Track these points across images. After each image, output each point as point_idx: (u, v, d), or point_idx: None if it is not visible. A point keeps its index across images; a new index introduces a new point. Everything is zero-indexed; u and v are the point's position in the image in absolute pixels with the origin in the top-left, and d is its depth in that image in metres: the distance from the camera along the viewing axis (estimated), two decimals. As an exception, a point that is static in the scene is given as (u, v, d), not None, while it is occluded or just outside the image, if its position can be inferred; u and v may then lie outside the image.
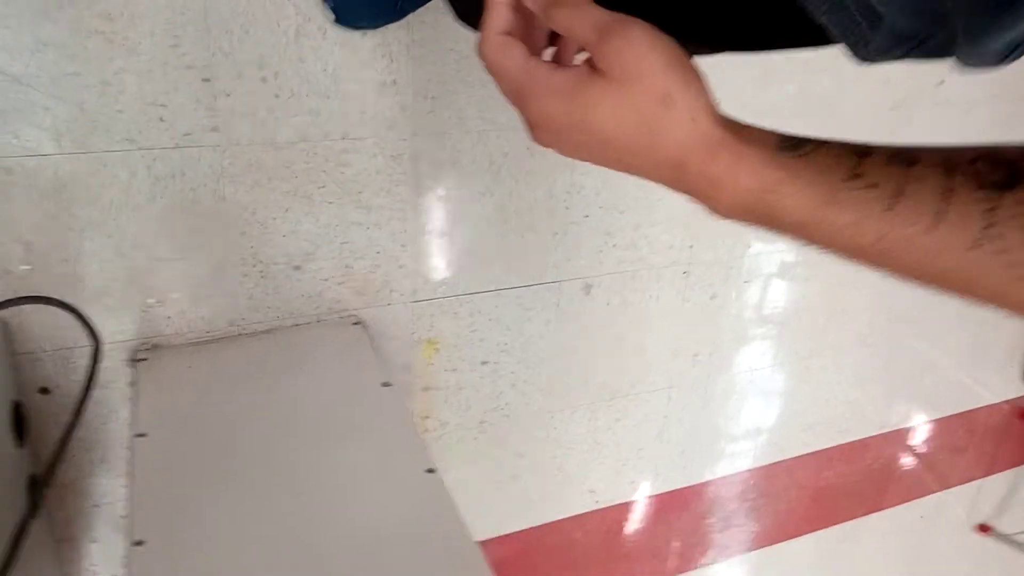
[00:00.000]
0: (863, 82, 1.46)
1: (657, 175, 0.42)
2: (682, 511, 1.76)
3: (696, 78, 0.40)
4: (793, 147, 0.40)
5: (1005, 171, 0.37)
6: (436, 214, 1.19)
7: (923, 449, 2.10)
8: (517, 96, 0.42)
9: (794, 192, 0.39)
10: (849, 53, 0.45)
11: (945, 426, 2.08)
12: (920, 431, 2.06)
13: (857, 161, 0.39)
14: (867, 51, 0.44)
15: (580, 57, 0.43)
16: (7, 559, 0.67)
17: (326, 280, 1.14)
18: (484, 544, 0.76)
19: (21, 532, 0.69)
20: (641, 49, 0.38)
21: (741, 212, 0.41)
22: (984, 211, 0.36)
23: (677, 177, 0.41)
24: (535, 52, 0.43)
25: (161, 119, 0.97)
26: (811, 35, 0.52)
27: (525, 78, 0.41)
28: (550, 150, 0.44)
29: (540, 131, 0.43)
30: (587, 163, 0.43)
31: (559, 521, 1.58)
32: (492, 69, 0.43)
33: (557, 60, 0.45)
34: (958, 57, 0.43)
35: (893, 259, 0.39)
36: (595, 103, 0.40)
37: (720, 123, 0.40)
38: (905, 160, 0.38)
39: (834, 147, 0.40)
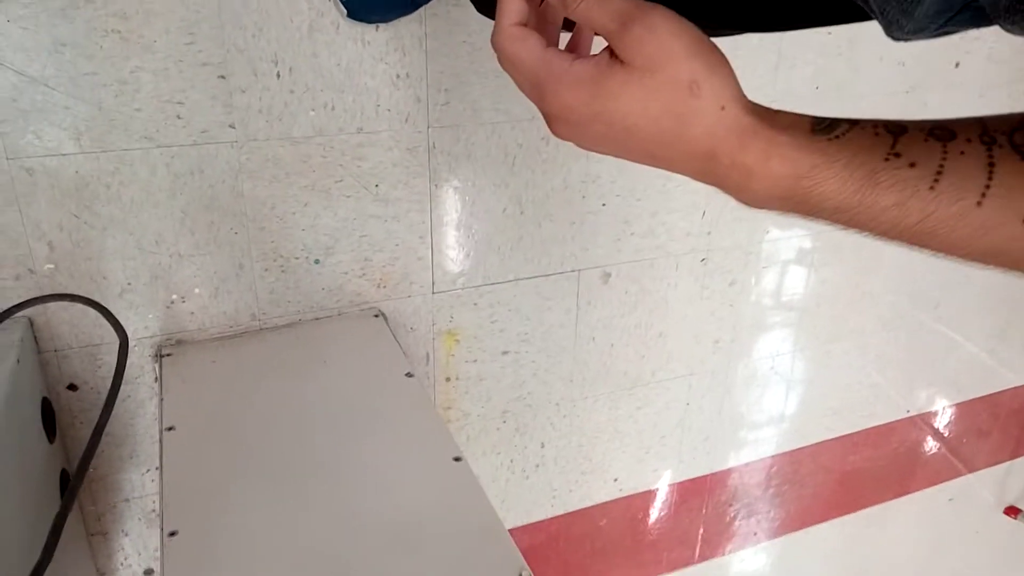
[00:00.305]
0: (878, 65, 1.44)
1: (684, 167, 0.40)
2: (706, 498, 1.75)
3: (723, 64, 0.38)
4: (827, 129, 0.38)
5: None
6: (453, 206, 1.19)
7: (949, 432, 2.08)
8: (534, 88, 0.41)
9: (831, 176, 0.37)
10: (887, 28, 0.43)
11: (970, 409, 2.06)
12: (945, 414, 2.04)
13: (894, 140, 0.37)
14: (907, 24, 0.42)
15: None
16: (46, 553, 0.68)
17: (346, 273, 1.15)
18: (510, 533, 0.76)
19: (58, 527, 0.70)
20: (664, 36, 0.37)
21: (776, 201, 0.39)
22: None
23: (707, 168, 0.40)
24: (550, 43, 0.41)
25: (178, 117, 0.98)
26: (834, 12, 0.51)
27: (542, 69, 0.40)
28: (568, 142, 0.43)
29: (559, 123, 0.41)
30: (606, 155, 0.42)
31: (584, 509, 1.58)
32: (507, 61, 0.41)
33: (572, 51, 0.44)
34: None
35: (939, 238, 0.38)
36: (617, 93, 0.38)
37: (750, 110, 0.38)
38: (942, 135, 0.37)
39: (868, 126, 0.38)
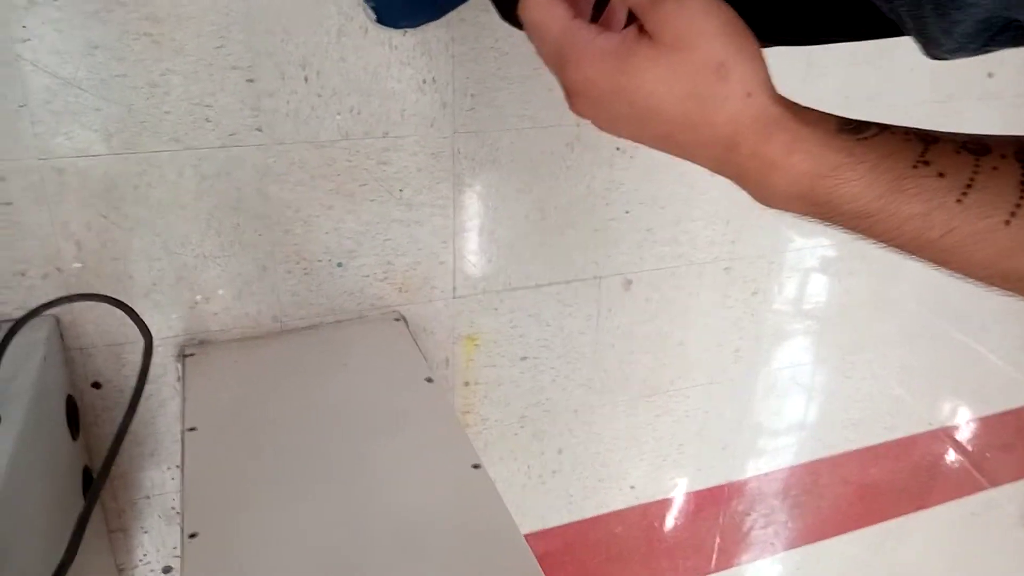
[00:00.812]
0: (910, 75, 1.42)
1: (703, 154, 0.39)
2: (723, 507, 1.74)
3: (754, 49, 0.36)
4: (855, 130, 0.37)
5: None
6: (476, 211, 1.19)
7: (972, 446, 2.05)
8: (556, 59, 0.39)
9: (855, 178, 0.36)
10: (925, 46, 0.42)
11: (994, 422, 2.03)
12: (968, 427, 2.01)
13: (924, 148, 0.36)
14: (947, 44, 0.40)
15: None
16: (70, 550, 0.69)
17: (367, 277, 1.15)
18: (526, 538, 0.76)
19: (82, 524, 0.71)
20: (696, 14, 0.35)
21: (795, 200, 0.38)
22: None
23: (726, 158, 0.38)
24: (580, 15, 0.39)
25: (207, 119, 0.99)
26: (867, 27, 0.50)
27: (566, 40, 0.38)
28: (587, 121, 0.41)
29: (579, 99, 0.39)
30: (629, 141, 0.40)
31: (600, 516, 1.58)
32: (532, 29, 0.39)
33: (604, 26, 0.41)
34: None
35: (960, 255, 0.36)
36: (642, 69, 0.36)
37: (777, 100, 0.37)
38: (976, 149, 0.36)
39: (899, 132, 0.37)
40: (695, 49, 0.35)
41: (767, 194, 0.38)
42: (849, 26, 0.55)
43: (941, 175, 0.35)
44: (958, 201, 0.35)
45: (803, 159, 0.36)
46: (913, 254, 0.38)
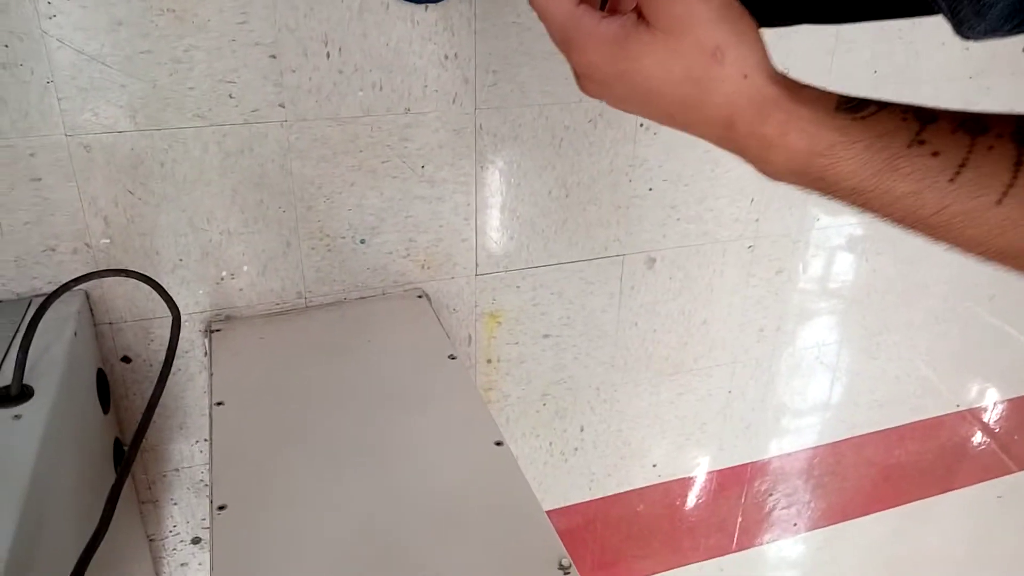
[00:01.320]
0: (940, 50, 1.39)
1: (705, 132, 0.40)
2: (746, 486, 1.74)
3: (751, 31, 0.38)
4: (853, 109, 0.38)
5: None
6: (498, 188, 1.19)
7: (999, 427, 2.02)
8: (564, 44, 0.41)
9: (850, 157, 0.37)
10: (957, 27, 0.42)
11: (1022, 404, 2.00)
12: (996, 409, 1.99)
13: (920, 127, 0.37)
14: (980, 25, 0.41)
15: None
16: (104, 521, 0.70)
17: (390, 253, 1.16)
18: (548, 515, 0.77)
19: (114, 496, 0.72)
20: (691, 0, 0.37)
21: (793, 175, 0.39)
22: None
23: (726, 136, 0.40)
24: (590, 2, 0.41)
25: (230, 96, 0.99)
26: (896, 5, 0.50)
27: (571, 25, 0.40)
28: (598, 100, 0.43)
29: (586, 81, 0.41)
30: (648, 121, 0.42)
31: (622, 494, 1.58)
32: (540, 14, 0.41)
33: (613, 10, 0.43)
34: None
35: (954, 232, 0.37)
36: (640, 55, 0.38)
37: (774, 80, 0.38)
38: (974, 128, 0.36)
39: (897, 111, 0.37)
40: (691, 33, 0.37)
41: (767, 169, 0.40)
42: (881, 5, 0.54)
43: (935, 154, 0.36)
44: (950, 180, 0.36)
45: (799, 138, 0.38)
46: (910, 228, 0.39)
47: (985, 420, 1.99)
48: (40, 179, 0.94)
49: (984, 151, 0.35)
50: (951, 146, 0.36)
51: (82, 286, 0.97)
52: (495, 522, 0.76)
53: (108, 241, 1.00)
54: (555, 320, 1.33)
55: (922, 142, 0.36)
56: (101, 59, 0.92)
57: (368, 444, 0.85)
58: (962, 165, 0.35)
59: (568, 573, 0.70)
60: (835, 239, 1.51)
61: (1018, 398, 1.99)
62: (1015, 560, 2.34)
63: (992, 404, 1.97)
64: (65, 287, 0.83)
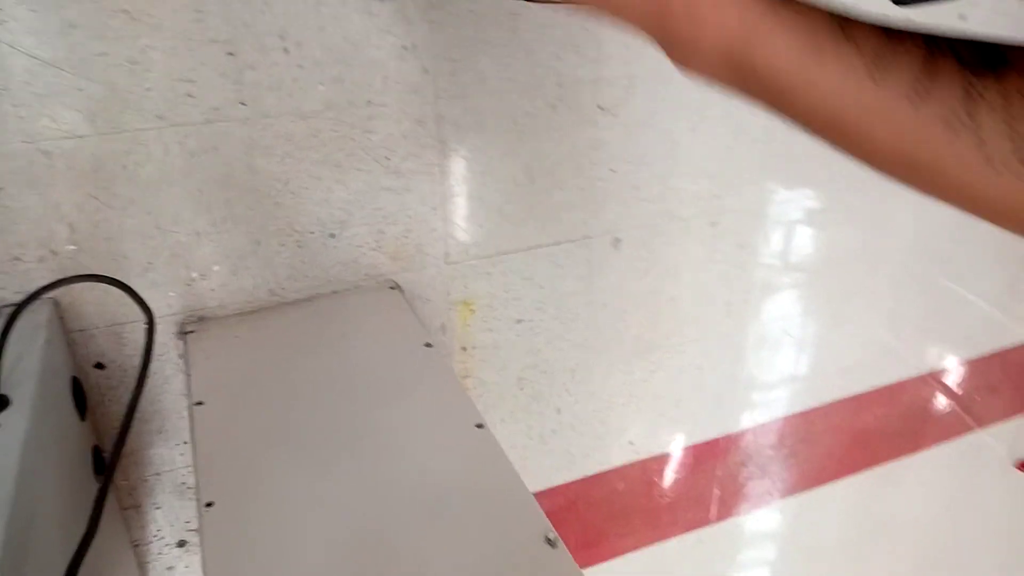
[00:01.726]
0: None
1: (633, 11, 0.41)
2: (721, 459, 1.77)
3: None
4: None
5: (991, 53, 0.36)
6: (464, 176, 1.20)
7: (960, 389, 2.09)
8: None
9: (780, 33, 0.38)
10: None
11: (981, 365, 2.07)
12: (956, 371, 2.05)
13: (842, 20, 0.38)
14: None
15: None
16: (92, 523, 0.70)
17: (360, 247, 1.16)
18: (531, 496, 0.79)
19: (100, 502, 0.72)
20: None
21: (719, 61, 0.40)
22: (964, 96, 0.35)
23: (658, 12, 0.40)
24: None
25: (189, 95, 0.99)
26: None
27: None
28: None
29: None
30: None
31: (601, 474, 1.60)
32: None
33: None
34: None
35: (872, 136, 0.38)
36: None
37: None
38: (889, 30, 0.38)
39: (821, 6, 0.39)
40: None
41: (692, 53, 0.41)
42: None
43: (856, 46, 0.37)
44: (869, 76, 0.37)
45: (731, 15, 0.39)
46: (827, 137, 0.40)
47: (946, 382, 2.05)
48: (1, 188, 0.93)
49: (899, 50, 0.37)
50: (870, 40, 0.37)
51: (51, 294, 0.96)
52: (480, 502, 0.77)
53: (74, 247, 0.99)
54: (527, 305, 1.35)
55: (843, 32, 0.38)
56: (56, 63, 0.91)
57: (350, 434, 0.85)
58: (879, 59, 0.37)
59: (555, 546, 0.72)
60: (794, 212, 1.55)
61: (976, 359, 2.05)
62: (985, 513, 2.42)
63: (952, 366, 2.04)
64: (34, 295, 0.82)
